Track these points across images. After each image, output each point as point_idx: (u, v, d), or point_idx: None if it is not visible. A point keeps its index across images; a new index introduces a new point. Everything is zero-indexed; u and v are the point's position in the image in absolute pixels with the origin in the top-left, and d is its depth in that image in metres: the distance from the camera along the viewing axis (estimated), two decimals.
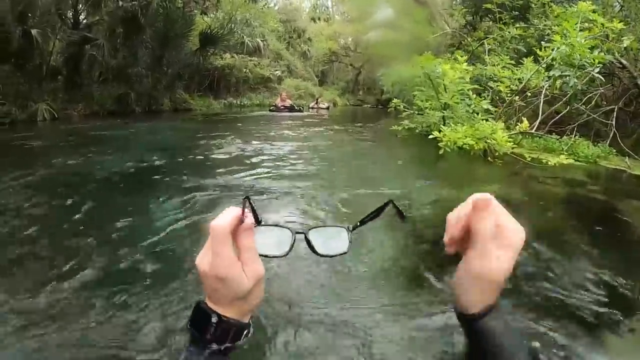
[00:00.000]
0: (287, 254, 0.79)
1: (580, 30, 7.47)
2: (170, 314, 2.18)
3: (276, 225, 0.82)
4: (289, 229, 0.82)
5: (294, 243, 0.81)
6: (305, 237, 0.84)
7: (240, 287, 0.72)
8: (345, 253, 0.86)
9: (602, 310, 2.66)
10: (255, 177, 5.37)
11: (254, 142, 8.33)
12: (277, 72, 26.91)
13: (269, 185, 4.91)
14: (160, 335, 2.01)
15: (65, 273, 2.66)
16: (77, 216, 3.78)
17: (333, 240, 0.85)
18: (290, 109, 18.38)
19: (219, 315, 0.73)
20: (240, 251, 0.73)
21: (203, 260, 0.72)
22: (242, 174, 5.48)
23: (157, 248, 3.09)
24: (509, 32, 11.25)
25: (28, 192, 4.50)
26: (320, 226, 0.87)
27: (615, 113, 8.56)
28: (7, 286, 2.49)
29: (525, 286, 2.82)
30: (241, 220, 0.73)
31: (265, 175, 5.50)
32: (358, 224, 0.88)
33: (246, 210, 0.75)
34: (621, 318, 2.56)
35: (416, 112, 10.04)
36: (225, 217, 0.71)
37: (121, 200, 4.41)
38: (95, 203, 4.20)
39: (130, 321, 2.13)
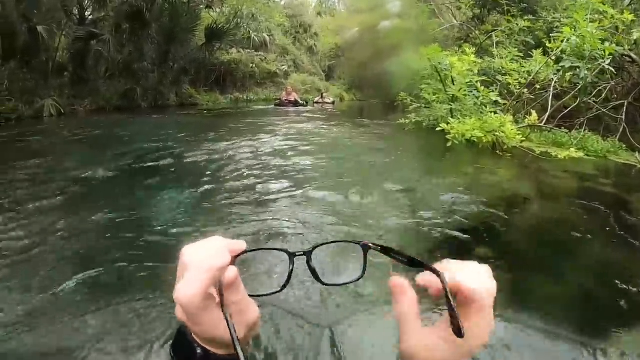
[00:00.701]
0: (285, 287, 0.62)
1: (590, 22, 7.36)
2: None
3: (268, 249, 0.66)
4: (285, 250, 0.64)
5: (292, 269, 0.62)
6: (307, 261, 0.63)
7: (229, 339, 0.55)
8: (359, 279, 0.64)
9: (610, 304, 2.62)
10: (255, 177, 5.26)
11: (256, 138, 8.26)
12: (283, 67, 26.85)
13: (270, 186, 4.80)
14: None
15: (62, 270, 2.64)
16: (74, 215, 3.78)
17: (343, 261, 0.63)
18: (295, 103, 18.33)
19: (204, 350, 0.60)
20: (227, 305, 0.56)
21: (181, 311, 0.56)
22: (242, 173, 5.40)
23: (154, 247, 3.07)
24: (517, 25, 11.13)
25: (26, 188, 4.50)
26: (327, 242, 0.67)
27: (625, 108, 8.48)
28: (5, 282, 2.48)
29: (535, 281, 2.77)
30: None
31: (267, 174, 5.39)
32: (379, 248, 0.63)
33: (229, 254, 0.56)
34: (630, 312, 2.53)
35: (423, 106, 9.96)
36: (193, 285, 0.53)
37: (120, 199, 4.39)
38: (95, 202, 4.19)
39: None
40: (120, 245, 3.05)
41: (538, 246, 3.51)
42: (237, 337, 0.54)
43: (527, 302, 2.54)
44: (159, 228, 3.38)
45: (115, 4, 15.33)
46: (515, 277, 2.81)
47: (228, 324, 0.53)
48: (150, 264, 2.77)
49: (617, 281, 2.82)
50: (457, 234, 3.56)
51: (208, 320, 0.56)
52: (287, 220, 3.67)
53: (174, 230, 3.34)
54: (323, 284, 0.64)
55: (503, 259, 3.10)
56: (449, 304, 0.53)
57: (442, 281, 0.54)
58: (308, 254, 0.63)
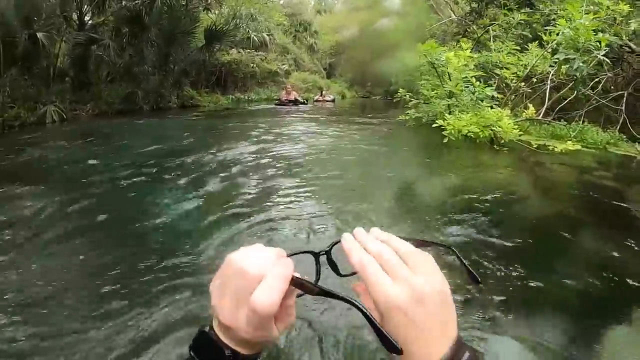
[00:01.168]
0: (317, 284, 0.64)
1: (586, 13, 7.35)
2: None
3: (298, 253, 0.67)
4: (311, 252, 0.70)
5: (320, 269, 0.69)
6: (328, 257, 0.70)
7: (269, 340, 0.62)
8: None
9: (612, 303, 2.64)
10: (255, 180, 5.23)
11: (256, 140, 8.26)
12: (284, 66, 26.88)
13: (277, 190, 4.75)
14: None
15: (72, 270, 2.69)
16: (79, 220, 3.83)
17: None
18: (295, 102, 18.38)
19: (233, 351, 0.61)
20: (280, 309, 0.60)
21: (236, 316, 0.59)
22: (247, 177, 5.37)
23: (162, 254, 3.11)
24: (514, 18, 11.12)
25: (33, 198, 4.54)
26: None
27: (625, 98, 8.48)
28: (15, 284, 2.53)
29: (534, 279, 2.80)
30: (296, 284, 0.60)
31: (266, 178, 5.33)
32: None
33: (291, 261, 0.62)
34: (626, 308, 2.54)
35: (422, 102, 9.98)
36: (274, 293, 0.56)
37: (125, 206, 4.44)
38: (102, 208, 4.24)
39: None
40: (129, 251, 3.10)
41: (535, 243, 3.52)
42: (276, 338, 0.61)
43: (526, 301, 2.56)
44: (166, 233, 3.44)
45: (114, 8, 15.41)
46: (513, 274, 2.84)
47: (368, 317, 0.55)
48: (160, 269, 2.81)
49: (617, 278, 2.84)
50: (453, 230, 3.60)
51: (270, 325, 0.59)
52: (292, 225, 3.68)
53: (180, 236, 3.39)
54: (340, 275, 0.71)
55: (500, 256, 3.12)
56: (463, 264, 0.62)
57: (456, 254, 0.63)
58: (328, 252, 0.70)
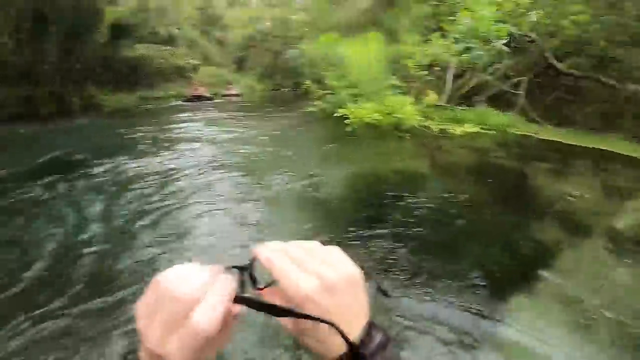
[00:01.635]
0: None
1: (489, 5, 7.75)
2: None
3: (228, 267, 0.64)
4: (236, 266, 0.62)
5: (244, 282, 0.61)
6: (250, 272, 0.63)
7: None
8: None
9: (511, 273, 2.78)
10: (157, 191, 5.09)
11: (160, 145, 7.97)
12: (192, 60, 26.40)
13: (176, 203, 4.60)
14: None
15: None
16: None
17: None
18: (200, 97, 18.49)
19: None
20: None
21: (167, 342, 0.52)
22: (142, 188, 5.18)
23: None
24: (422, 11, 11.44)
25: None
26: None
27: (525, 84, 9.13)
28: None
29: (435, 259, 2.88)
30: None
31: (168, 189, 5.18)
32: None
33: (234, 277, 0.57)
34: (526, 277, 2.70)
35: (328, 93, 10.07)
36: (215, 312, 0.52)
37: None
38: None
39: None
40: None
41: (436, 225, 3.64)
42: None
43: (430, 279, 2.64)
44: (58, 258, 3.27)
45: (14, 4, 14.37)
46: (416, 255, 2.91)
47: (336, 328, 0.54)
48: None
49: (518, 252, 2.99)
50: (359, 219, 3.66)
51: (206, 348, 0.53)
52: (203, 236, 3.67)
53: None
54: (258, 289, 0.64)
55: (404, 240, 3.20)
56: (374, 281, 0.60)
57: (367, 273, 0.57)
58: (250, 265, 0.63)
